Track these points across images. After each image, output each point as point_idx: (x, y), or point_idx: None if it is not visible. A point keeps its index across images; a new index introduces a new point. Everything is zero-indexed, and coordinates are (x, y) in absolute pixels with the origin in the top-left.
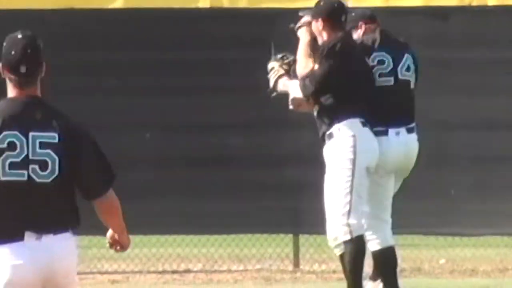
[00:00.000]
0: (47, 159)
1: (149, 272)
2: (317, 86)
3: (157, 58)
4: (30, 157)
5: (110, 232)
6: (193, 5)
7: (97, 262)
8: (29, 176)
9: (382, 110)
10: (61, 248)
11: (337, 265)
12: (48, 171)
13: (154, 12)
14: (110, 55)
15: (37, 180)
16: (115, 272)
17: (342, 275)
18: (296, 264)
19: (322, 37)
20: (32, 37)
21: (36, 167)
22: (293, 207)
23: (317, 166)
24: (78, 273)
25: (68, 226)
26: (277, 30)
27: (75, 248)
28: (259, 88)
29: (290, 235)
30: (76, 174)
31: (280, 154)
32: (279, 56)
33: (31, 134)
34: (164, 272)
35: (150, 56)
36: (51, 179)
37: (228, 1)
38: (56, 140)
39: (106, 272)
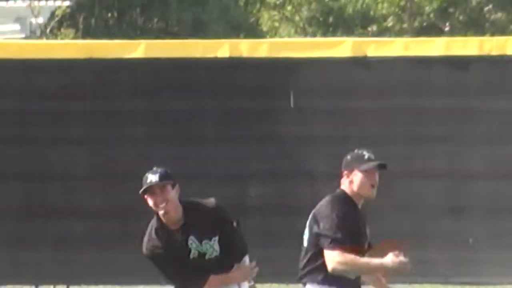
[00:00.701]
0: None
1: None
2: None
3: (178, 107)
4: None
5: None
6: (212, 55)
7: None
8: None
9: None
10: None
11: None
12: None
13: (174, 61)
14: (130, 104)
15: None
16: None
17: None
18: None
19: None
20: None
21: None
22: None
23: None
24: None
25: None
26: (296, 79)
27: None
28: (278, 137)
29: None
30: None
31: (299, 205)
32: None
33: None
34: None
35: (170, 105)
36: None
37: (248, 50)
38: None
39: None
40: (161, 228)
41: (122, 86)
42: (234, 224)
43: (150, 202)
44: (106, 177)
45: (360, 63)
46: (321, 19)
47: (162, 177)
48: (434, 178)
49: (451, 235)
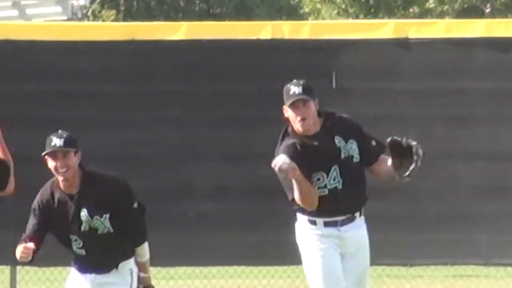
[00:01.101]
0: None
1: None
2: None
3: (219, 89)
4: None
5: None
6: (254, 36)
7: None
8: None
9: None
10: None
11: None
12: None
13: (216, 43)
14: (171, 86)
15: None
16: None
17: None
18: None
19: None
20: None
21: None
22: None
23: None
24: None
25: None
26: (339, 61)
27: None
28: None
29: None
30: None
31: None
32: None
33: None
34: None
35: (212, 87)
36: None
37: (290, 32)
38: None
39: None
40: (58, 190)
41: (164, 68)
42: (135, 205)
43: (51, 164)
44: (147, 158)
45: (402, 44)
46: (362, 0)
47: (66, 143)
48: (476, 159)
49: (493, 217)
